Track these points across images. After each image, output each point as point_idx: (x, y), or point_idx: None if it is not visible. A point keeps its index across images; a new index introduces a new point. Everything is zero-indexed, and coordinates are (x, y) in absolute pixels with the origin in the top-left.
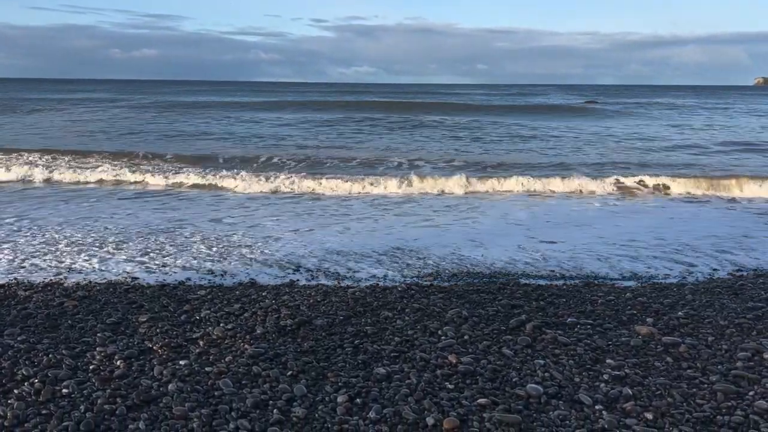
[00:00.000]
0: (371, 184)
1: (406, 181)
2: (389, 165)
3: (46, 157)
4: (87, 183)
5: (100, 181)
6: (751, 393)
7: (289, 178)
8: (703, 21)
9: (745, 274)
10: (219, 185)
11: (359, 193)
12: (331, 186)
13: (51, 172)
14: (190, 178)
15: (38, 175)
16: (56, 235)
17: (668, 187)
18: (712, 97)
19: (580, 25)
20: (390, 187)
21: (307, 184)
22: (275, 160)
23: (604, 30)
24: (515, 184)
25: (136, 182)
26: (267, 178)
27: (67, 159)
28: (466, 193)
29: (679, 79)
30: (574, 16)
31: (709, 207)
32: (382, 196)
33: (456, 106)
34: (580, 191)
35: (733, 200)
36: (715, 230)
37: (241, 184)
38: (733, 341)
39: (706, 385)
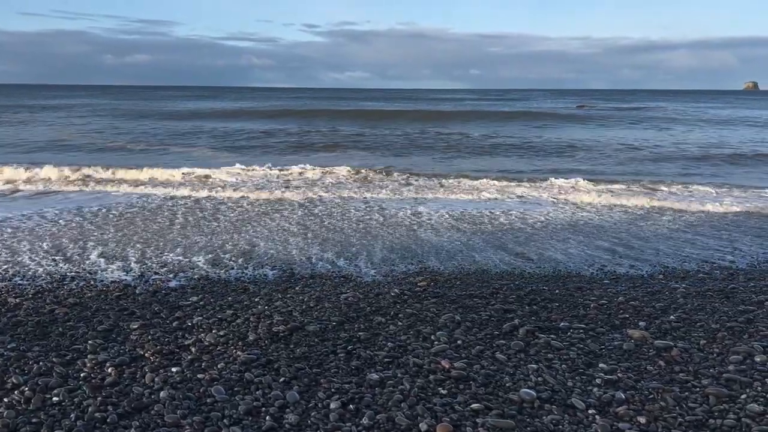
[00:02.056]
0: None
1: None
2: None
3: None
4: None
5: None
6: (743, 396)
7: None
8: (694, 25)
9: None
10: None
11: None
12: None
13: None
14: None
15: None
16: None
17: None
18: (701, 102)
19: (572, 30)
20: None
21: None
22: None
23: (596, 35)
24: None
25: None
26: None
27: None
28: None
29: (670, 83)
30: (566, 20)
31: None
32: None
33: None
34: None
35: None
36: None
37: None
38: (724, 345)
39: (698, 389)
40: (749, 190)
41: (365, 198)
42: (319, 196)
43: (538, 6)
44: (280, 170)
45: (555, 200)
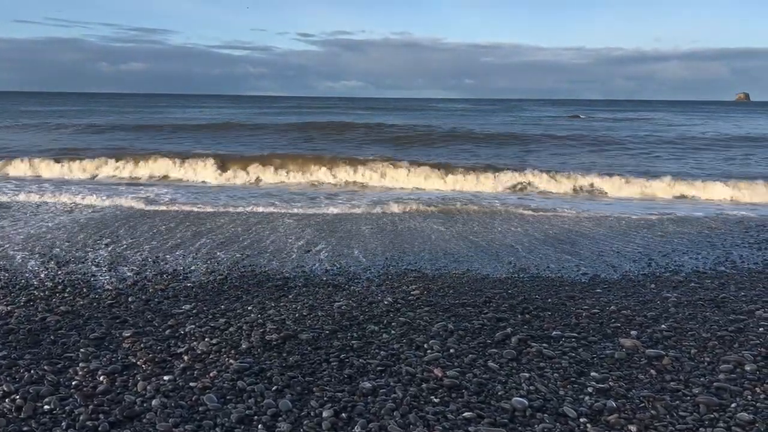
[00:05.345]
0: None
1: None
2: None
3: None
4: None
5: None
6: (733, 405)
7: None
8: (686, 37)
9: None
10: None
11: None
12: None
13: None
14: None
15: None
16: None
17: None
18: (691, 113)
19: (565, 41)
20: None
21: None
22: None
23: (589, 45)
24: None
25: None
26: None
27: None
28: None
29: (663, 94)
30: (559, 31)
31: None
32: None
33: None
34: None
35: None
36: None
37: None
38: (715, 353)
39: (689, 398)
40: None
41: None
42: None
43: (531, 17)
44: None
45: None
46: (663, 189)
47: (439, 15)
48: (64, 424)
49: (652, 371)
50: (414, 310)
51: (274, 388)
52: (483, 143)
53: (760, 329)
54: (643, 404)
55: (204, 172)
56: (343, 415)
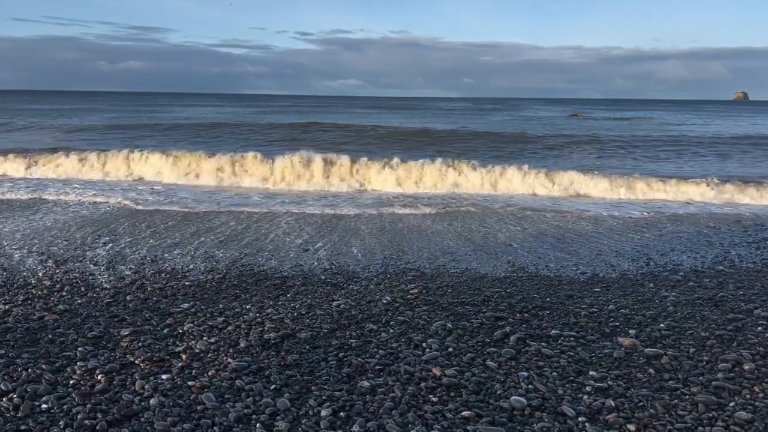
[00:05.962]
0: None
1: None
2: None
3: None
4: None
5: None
6: (731, 404)
7: None
8: (685, 36)
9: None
10: None
11: None
12: None
13: None
14: None
15: None
16: None
17: None
18: (690, 112)
19: (564, 40)
20: None
21: None
22: None
23: (588, 45)
24: None
25: None
26: None
27: None
28: None
29: (662, 94)
30: (558, 31)
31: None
32: None
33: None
34: None
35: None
36: None
37: None
38: (714, 353)
39: (687, 397)
40: None
41: None
42: None
43: (530, 16)
44: None
45: None
46: (662, 188)
47: (438, 14)
48: (61, 423)
49: (651, 370)
50: (412, 309)
51: (272, 387)
52: (481, 143)
53: (759, 328)
54: (641, 403)
55: (203, 172)
56: (342, 414)
